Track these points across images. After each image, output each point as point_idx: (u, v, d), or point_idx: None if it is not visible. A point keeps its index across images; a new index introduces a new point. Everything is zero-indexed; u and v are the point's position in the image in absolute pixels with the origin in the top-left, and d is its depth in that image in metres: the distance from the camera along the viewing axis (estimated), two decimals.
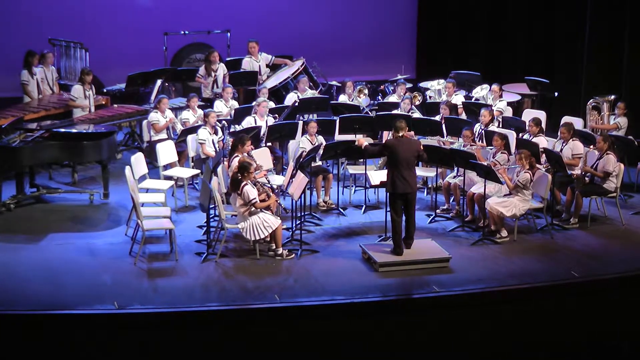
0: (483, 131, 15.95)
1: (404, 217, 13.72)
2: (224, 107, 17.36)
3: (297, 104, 17.54)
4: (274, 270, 13.38)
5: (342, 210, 15.54)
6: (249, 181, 13.49)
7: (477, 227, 14.74)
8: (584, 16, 19.35)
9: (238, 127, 16.36)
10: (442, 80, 19.02)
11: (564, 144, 15.49)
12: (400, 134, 13.62)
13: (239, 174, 13.47)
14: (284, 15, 21.99)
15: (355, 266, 13.55)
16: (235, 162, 14.02)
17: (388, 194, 13.88)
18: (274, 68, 19.60)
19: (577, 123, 16.84)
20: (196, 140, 15.99)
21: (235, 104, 17.61)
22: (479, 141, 15.74)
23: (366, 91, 18.58)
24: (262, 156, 15.25)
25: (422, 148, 13.80)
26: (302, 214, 14.59)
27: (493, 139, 15.16)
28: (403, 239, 13.73)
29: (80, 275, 13.02)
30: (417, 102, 18.02)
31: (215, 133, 15.91)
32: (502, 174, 14.35)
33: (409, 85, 19.58)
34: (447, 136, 16.30)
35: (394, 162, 13.56)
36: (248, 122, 16.45)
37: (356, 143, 14.45)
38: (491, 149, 15.19)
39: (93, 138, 15.71)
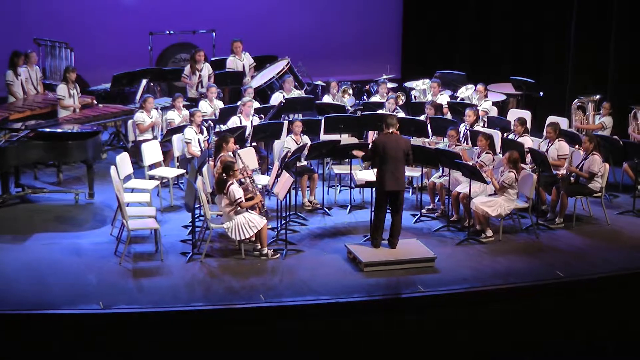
0: (468, 131, 15.96)
1: (389, 217, 13.76)
2: (209, 107, 17.32)
3: (282, 104, 17.53)
4: (259, 270, 13.36)
5: (327, 210, 15.54)
6: (235, 180, 13.49)
7: (462, 227, 14.75)
8: (570, 15, 19.40)
9: (223, 127, 16.34)
10: (427, 80, 19.03)
11: (549, 144, 15.49)
12: (390, 130, 13.63)
13: (223, 174, 13.45)
14: (269, 15, 21.99)
15: (341, 266, 13.55)
16: None
17: (375, 190, 13.89)
18: (258, 67, 19.58)
19: (563, 123, 16.88)
20: (183, 139, 15.96)
21: (220, 104, 17.59)
22: (464, 141, 15.75)
23: (350, 91, 18.58)
24: (248, 156, 15.23)
25: (410, 148, 13.82)
26: (287, 213, 14.59)
27: (477, 138, 15.18)
28: (388, 238, 13.76)
29: (65, 275, 12.99)
30: (401, 102, 18.04)
31: (201, 132, 15.90)
32: (488, 176, 14.36)
33: (394, 85, 19.61)
34: (432, 136, 16.32)
35: (383, 159, 13.54)
36: (233, 122, 16.43)
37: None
38: (476, 149, 15.21)
39: (78, 138, 15.68)
